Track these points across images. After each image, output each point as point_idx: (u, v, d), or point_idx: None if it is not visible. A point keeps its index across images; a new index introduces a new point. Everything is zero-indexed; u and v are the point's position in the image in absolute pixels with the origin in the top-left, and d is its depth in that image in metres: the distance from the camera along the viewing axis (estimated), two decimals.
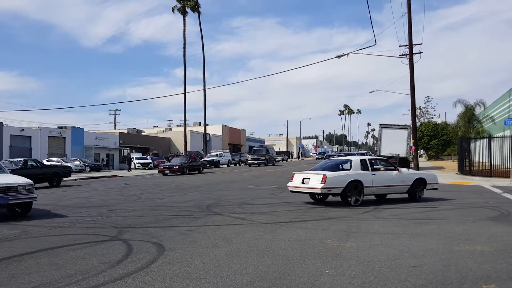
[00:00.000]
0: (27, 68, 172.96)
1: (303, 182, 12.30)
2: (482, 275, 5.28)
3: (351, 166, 12.52)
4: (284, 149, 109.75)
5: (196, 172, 34.57)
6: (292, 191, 13.13)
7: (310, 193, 12.74)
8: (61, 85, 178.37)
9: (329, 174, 11.96)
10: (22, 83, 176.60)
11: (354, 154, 50.52)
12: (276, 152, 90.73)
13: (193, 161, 35.10)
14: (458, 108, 37.29)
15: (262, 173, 32.20)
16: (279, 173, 31.54)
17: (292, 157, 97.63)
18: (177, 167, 32.40)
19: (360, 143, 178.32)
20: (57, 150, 45.04)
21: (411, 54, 27.88)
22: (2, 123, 39.64)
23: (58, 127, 47.95)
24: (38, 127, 45.03)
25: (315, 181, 11.88)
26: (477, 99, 37.93)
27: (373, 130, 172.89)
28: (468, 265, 5.73)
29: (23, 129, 42.50)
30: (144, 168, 45.94)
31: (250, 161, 47.04)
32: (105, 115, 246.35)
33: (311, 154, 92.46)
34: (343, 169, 12.72)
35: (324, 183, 11.65)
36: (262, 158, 46.31)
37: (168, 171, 32.13)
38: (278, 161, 69.98)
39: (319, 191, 11.91)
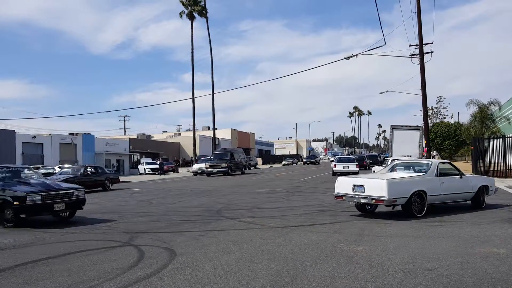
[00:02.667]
0: (37, 76, 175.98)
1: None
2: (499, 278, 5.17)
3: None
4: (293, 152, 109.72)
5: (100, 189, 23.85)
6: None
7: None
8: (71, 92, 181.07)
9: None
10: (33, 90, 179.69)
11: (376, 156, 50.10)
12: (286, 155, 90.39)
13: (95, 173, 24.17)
14: (471, 108, 36.77)
15: (272, 177, 32.19)
16: (288, 177, 31.53)
17: (302, 160, 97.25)
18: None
19: (371, 144, 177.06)
20: (69, 157, 45.51)
21: (421, 54, 27.59)
22: (14, 131, 40.11)
23: (69, 134, 48.47)
24: (50, 134, 45.56)
25: None
26: (491, 98, 37.37)
27: (384, 131, 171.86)
28: (485, 268, 5.62)
29: (34, 137, 43.01)
30: (154, 173, 46.21)
31: (208, 169, 36.42)
32: (115, 121, 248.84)
33: (320, 157, 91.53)
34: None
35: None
36: (224, 165, 36.17)
37: None
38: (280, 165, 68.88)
39: None
